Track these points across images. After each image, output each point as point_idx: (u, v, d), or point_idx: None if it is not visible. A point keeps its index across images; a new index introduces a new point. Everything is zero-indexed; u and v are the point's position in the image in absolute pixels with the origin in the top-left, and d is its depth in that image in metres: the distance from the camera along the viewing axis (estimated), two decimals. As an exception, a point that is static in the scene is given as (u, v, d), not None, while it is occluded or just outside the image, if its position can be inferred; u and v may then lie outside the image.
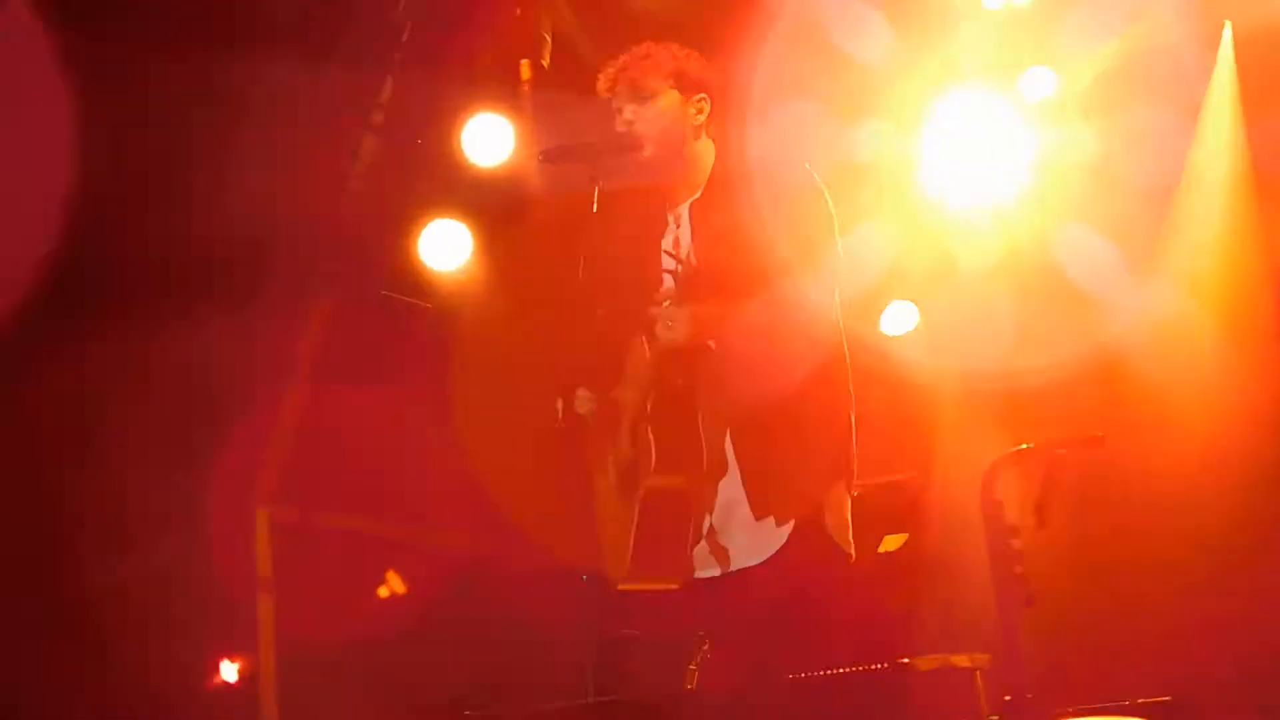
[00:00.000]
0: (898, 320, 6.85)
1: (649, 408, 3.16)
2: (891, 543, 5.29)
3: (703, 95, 3.42)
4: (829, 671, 3.28)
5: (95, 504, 5.34)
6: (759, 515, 3.15)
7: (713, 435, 3.19)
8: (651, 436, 3.15)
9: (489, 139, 5.65)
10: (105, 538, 5.40)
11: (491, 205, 5.88)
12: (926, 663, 5.10)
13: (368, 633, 5.88)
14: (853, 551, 3.31)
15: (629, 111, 3.35)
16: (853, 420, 3.31)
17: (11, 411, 5.17)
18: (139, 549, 5.46)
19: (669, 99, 3.37)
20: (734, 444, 3.21)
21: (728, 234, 3.18)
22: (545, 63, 5.63)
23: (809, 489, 3.19)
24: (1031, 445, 4.06)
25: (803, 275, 3.22)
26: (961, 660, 5.14)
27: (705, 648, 3.17)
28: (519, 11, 5.54)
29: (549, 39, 5.55)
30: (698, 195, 3.37)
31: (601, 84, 3.43)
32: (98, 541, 5.38)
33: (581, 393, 3.24)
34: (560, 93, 5.33)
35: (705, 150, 3.42)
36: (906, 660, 4.84)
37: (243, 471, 5.68)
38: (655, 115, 3.35)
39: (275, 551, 5.70)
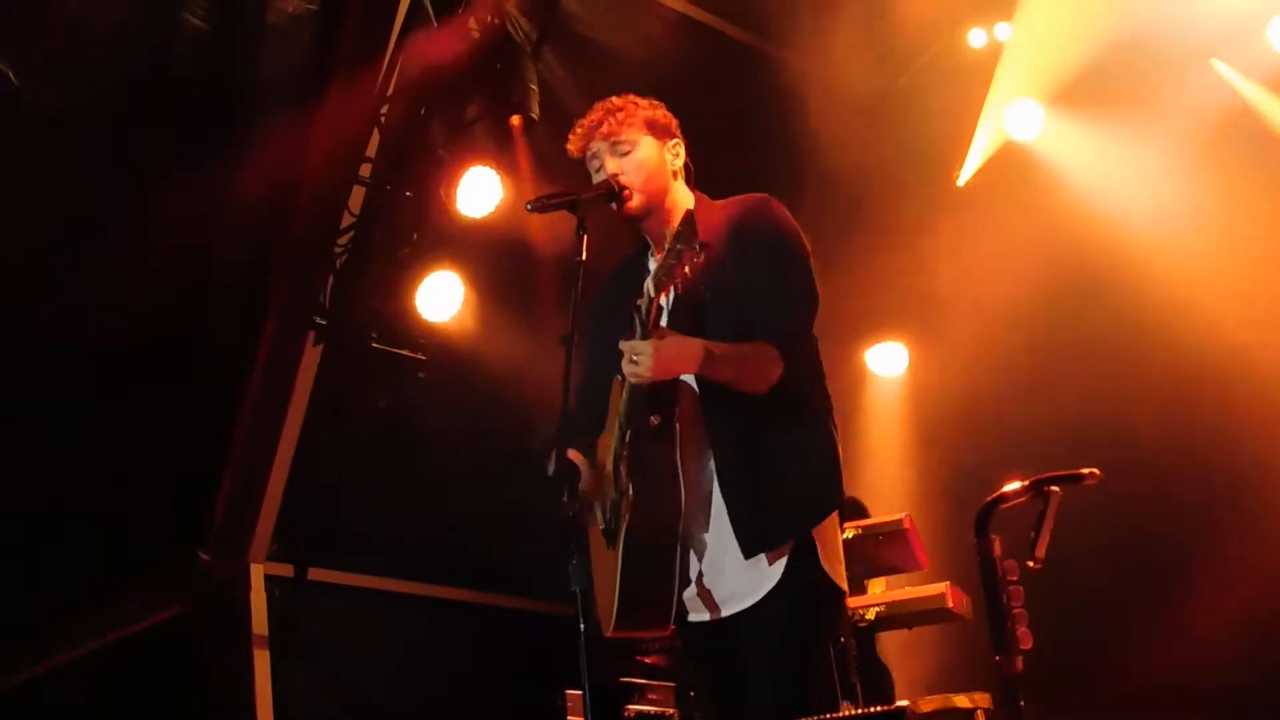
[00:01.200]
0: (888, 361, 6.87)
1: (625, 448, 3.14)
2: (876, 585, 5.27)
3: (676, 140, 3.45)
4: (830, 715, 3.24)
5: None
6: (748, 554, 3.13)
7: (694, 473, 3.17)
8: (628, 477, 3.12)
9: (480, 190, 5.68)
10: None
11: (483, 255, 5.91)
12: (928, 703, 5.08)
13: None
14: (846, 588, 3.28)
15: (612, 165, 3.37)
16: (840, 453, 3.28)
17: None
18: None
19: (647, 148, 3.39)
20: (719, 481, 3.20)
21: (705, 274, 3.18)
22: (535, 114, 5.66)
23: (796, 523, 3.17)
24: (1024, 483, 4.06)
25: (782, 312, 3.23)
26: (962, 700, 5.11)
27: (691, 695, 3.12)
28: (499, 66, 5.57)
29: (535, 89, 5.58)
30: None
31: (575, 143, 3.44)
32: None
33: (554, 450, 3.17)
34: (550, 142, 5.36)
35: (683, 193, 3.44)
36: (907, 702, 4.83)
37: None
38: (637, 166, 3.37)
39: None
